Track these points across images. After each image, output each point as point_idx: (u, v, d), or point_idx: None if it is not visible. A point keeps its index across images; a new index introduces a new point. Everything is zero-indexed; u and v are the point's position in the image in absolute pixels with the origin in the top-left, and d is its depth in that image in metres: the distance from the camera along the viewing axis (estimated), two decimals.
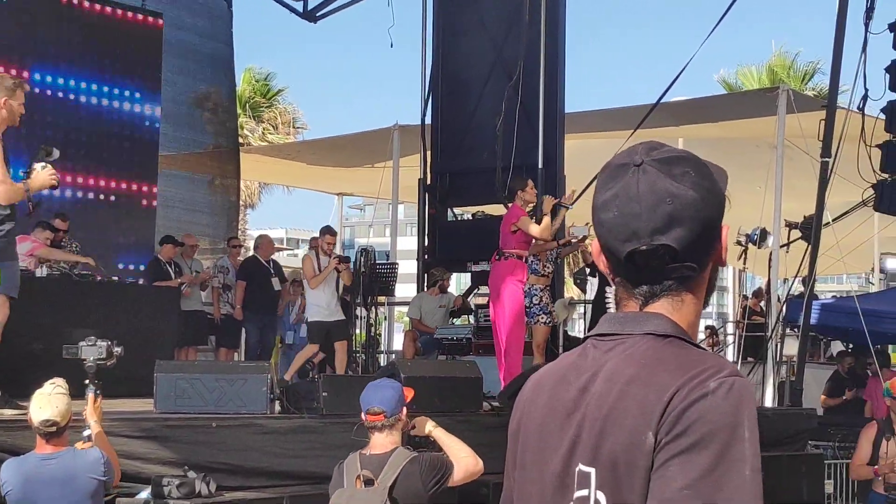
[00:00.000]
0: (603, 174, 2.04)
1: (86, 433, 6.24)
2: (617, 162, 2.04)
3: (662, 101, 14.87)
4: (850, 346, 17.97)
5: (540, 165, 14.40)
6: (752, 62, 35.17)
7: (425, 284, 15.94)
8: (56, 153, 8.26)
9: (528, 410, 2.12)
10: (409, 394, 6.04)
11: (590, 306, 16.39)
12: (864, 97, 13.60)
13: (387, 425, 5.73)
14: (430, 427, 6.06)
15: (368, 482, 5.57)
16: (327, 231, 13.33)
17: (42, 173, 7.88)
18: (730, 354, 23.51)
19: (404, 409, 5.85)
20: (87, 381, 6.49)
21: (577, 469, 1.97)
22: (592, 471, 1.94)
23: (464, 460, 5.88)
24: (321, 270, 12.82)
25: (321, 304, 12.92)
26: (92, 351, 6.59)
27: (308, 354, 13.06)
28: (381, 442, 5.74)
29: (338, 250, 25.48)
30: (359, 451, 5.81)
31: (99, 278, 12.54)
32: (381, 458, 5.68)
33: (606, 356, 2.02)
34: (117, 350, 6.68)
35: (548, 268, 12.14)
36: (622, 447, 1.91)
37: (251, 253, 16.39)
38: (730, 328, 29.29)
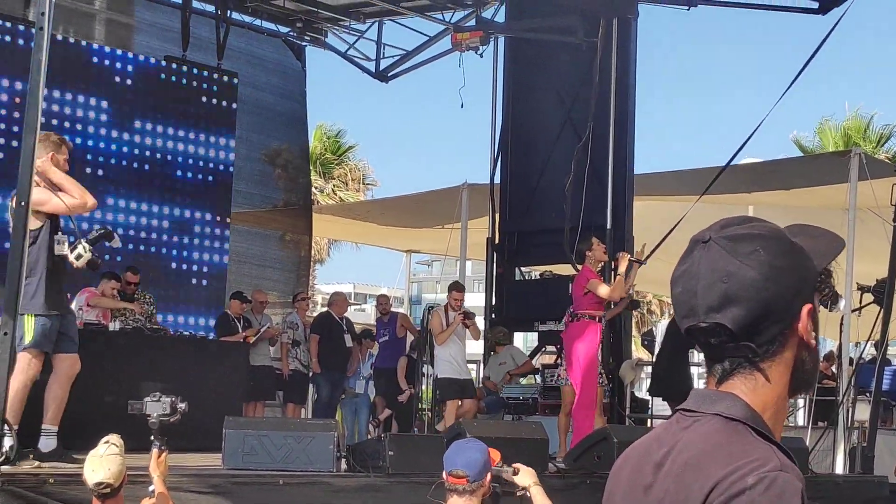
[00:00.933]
0: (686, 250, 2.05)
1: (151, 488, 6.29)
2: (693, 237, 2.04)
3: (733, 163, 14.80)
4: None
5: (608, 226, 14.39)
6: (829, 120, 34.69)
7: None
8: (117, 242, 8.36)
9: (615, 480, 2.11)
10: (496, 456, 5.74)
11: None
12: None
13: (468, 490, 5.46)
14: (531, 481, 5.53)
15: None
16: (455, 287, 13.46)
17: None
18: (800, 418, 23.20)
19: (489, 474, 5.54)
20: (152, 437, 6.53)
21: None
22: None
23: None
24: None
25: (451, 360, 12.97)
26: (156, 407, 6.58)
27: (453, 410, 12.95)
28: None
29: (405, 306, 25.70)
30: None
31: (171, 332, 12.71)
32: None
33: (682, 434, 2.01)
34: (181, 406, 6.69)
35: None
36: None
37: (320, 308, 16.50)
38: None
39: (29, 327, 7.83)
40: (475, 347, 18.47)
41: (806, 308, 1.99)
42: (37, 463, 7.57)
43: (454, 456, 5.56)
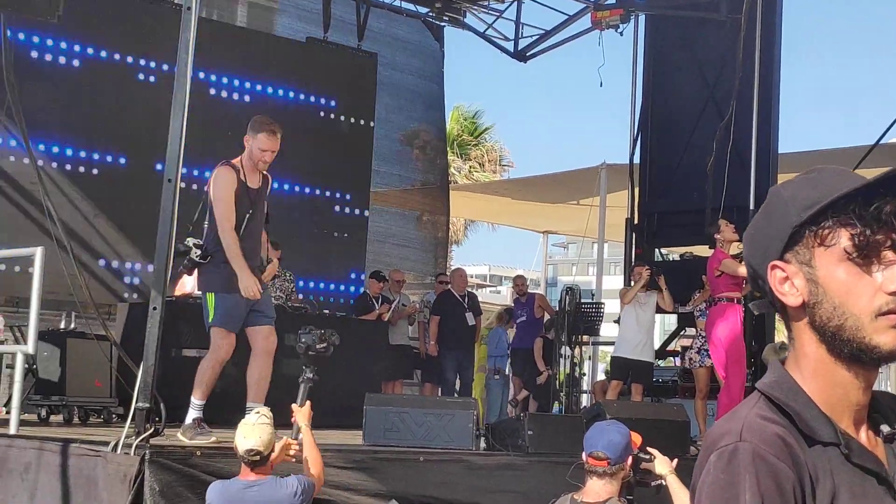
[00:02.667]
0: None
1: (297, 435, 6.44)
2: None
3: (883, 140, 14.40)
4: None
5: (752, 206, 14.11)
6: None
7: None
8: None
9: None
10: (637, 440, 5.70)
11: None
12: None
13: (608, 473, 5.41)
14: (667, 470, 5.43)
15: None
16: (637, 264, 13.24)
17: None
18: None
19: (630, 457, 5.50)
20: (303, 367, 6.77)
21: None
22: None
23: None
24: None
25: (627, 338, 12.71)
26: (309, 338, 6.96)
27: (612, 391, 12.79)
28: (597, 489, 5.43)
29: (541, 288, 25.60)
30: (571, 494, 5.53)
31: (309, 310, 12.86)
32: None
33: None
34: (334, 338, 6.96)
35: None
36: None
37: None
38: None
39: (211, 306, 8.00)
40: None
41: (769, 267, 1.93)
42: (213, 438, 7.74)
43: (595, 438, 5.51)
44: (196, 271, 8.26)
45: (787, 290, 1.89)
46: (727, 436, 1.81)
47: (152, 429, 7.25)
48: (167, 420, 7.56)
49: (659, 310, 13.16)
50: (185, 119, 7.58)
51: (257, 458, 6.01)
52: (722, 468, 1.77)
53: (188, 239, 8.01)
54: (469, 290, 16.17)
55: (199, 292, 8.22)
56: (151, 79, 14.12)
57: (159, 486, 6.83)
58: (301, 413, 6.56)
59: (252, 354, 8.24)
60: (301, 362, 6.89)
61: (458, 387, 15.27)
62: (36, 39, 13.35)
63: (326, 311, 14.36)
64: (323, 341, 6.95)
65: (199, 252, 7.99)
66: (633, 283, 12.81)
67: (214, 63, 14.59)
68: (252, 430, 6.02)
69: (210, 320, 8.04)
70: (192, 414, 8.05)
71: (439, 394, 15.33)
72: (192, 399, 8.06)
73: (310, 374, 6.93)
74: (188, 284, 12.21)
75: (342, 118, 16.22)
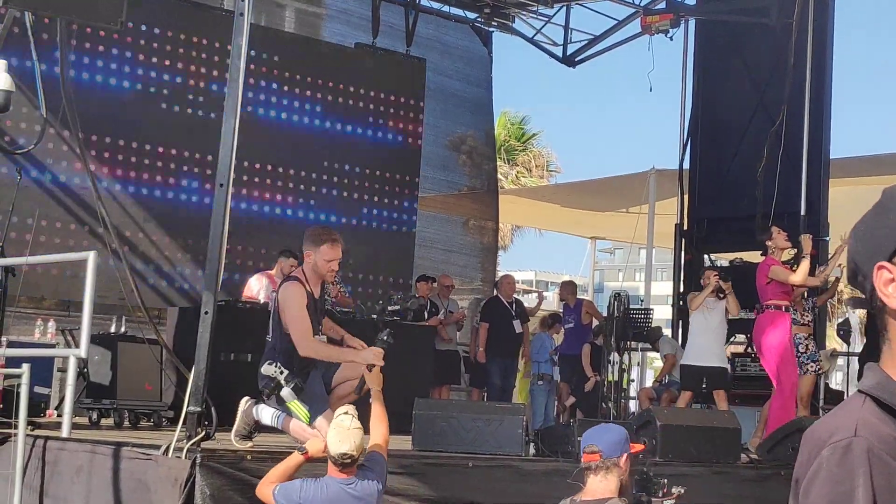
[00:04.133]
0: None
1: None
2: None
3: None
4: None
5: (802, 212, 14.01)
6: None
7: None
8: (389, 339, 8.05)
9: (798, 465, 2.06)
10: (638, 448, 5.79)
11: (854, 359, 15.84)
12: None
13: (602, 467, 5.43)
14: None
15: None
16: (708, 268, 13.06)
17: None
18: None
19: (625, 455, 5.52)
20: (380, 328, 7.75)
21: None
22: None
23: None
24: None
25: (698, 345, 12.20)
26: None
27: (684, 402, 12.34)
28: (595, 487, 5.46)
29: (589, 294, 25.52)
30: (570, 496, 5.58)
31: (357, 315, 12.87)
32: None
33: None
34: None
35: (806, 316, 11.94)
36: None
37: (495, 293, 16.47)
38: None
39: (300, 412, 7.75)
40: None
41: (876, 268, 1.90)
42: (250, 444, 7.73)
43: (589, 435, 5.63)
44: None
45: (890, 291, 1.88)
46: (840, 431, 1.81)
47: (203, 433, 7.28)
48: (218, 424, 7.59)
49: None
50: (237, 125, 7.62)
51: (349, 461, 6.13)
52: (836, 462, 1.77)
53: (271, 367, 7.80)
54: (516, 296, 16.13)
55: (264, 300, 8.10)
56: (202, 98, 14.25)
57: (210, 490, 6.86)
58: (372, 377, 6.94)
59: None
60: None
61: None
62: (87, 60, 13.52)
63: (374, 316, 14.37)
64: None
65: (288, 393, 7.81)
66: (702, 289, 12.50)
67: (261, 73, 14.69)
68: (348, 435, 6.11)
69: (307, 421, 7.75)
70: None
71: (486, 399, 15.30)
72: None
73: (385, 336, 7.58)
74: (254, 288, 12.25)
75: (391, 123, 16.24)
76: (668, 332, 16.37)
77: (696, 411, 12.40)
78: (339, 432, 6.12)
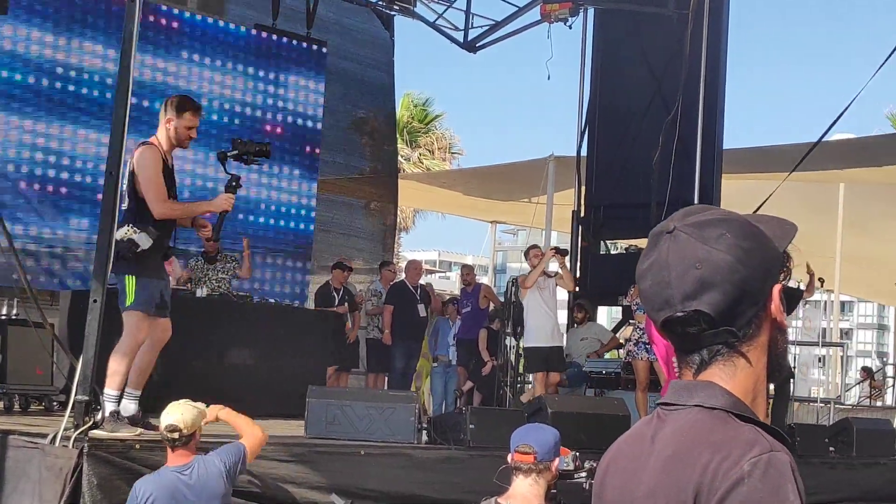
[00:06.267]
0: (648, 243, 2.02)
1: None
2: (655, 230, 2.01)
3: (825, 139, 14.55)
4: None
5: (696, 202, 14.24)
6: None
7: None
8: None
9: (602, 479, 2.09)
10: (566, 453, 5.57)
11: None
12: None
13: (534, 469, 5.21)
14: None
15: None
16: (532, 247, 13.29)
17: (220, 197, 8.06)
18: (889, 398, 22.89)
19: (557, 459, 5.33)
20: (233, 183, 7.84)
21: None
22: None
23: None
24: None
25: (538, 326, 12.61)
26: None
27: (540, 382, 12.80)
28: (524, 491, 5.22)
29: (489, 276, 25.71)
30: (495, 497, 5.30)
31: (254, 300, 12.84)
32: None
33: (663, 427, 1.99)
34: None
35: None
36: None
37: (401, 277, 16.55)
38: (890, 370, 28.52)
39: (131, 289, 7.77)
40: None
41: (777, 288, 1.98)
42: (139, 430, 7.58)
43: (524, 434, 5.38)
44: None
45: (783, 311, 1.99)
46: (758, 445, 1.85)
47: (91, 422, 7.21)
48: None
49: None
50: (128, 112, 7.54)
51: (176, 435, 6.03)
52: (760, 477, 1.81)
53: (122, 229, 7.70)
54: (421, 283, 16.24)
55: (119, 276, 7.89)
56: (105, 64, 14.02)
57: (97, 480, 6.81)
58: (214, 410, 6.62)
59: (148, 343, 7.94)
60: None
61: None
62: None
63: (272, 300, 14.35)
64: None
65: (145, 239, 7.74)
66: (532, 269, 12.76)
67: (161, 50, 14.50)
68: (176, 408, 6.09)
69: (129, 304, 7.65)
70: (109, 406, 7.60)
71: (385, 384, 15.37)
72: (108, 391, 7.62)
73: (234, 183, 7.95)
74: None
75: (290, 106, 16.15)
76: (563, 314, 16.58)
77: (588, 399, 12.61)
78: (170, 406, 6.10)
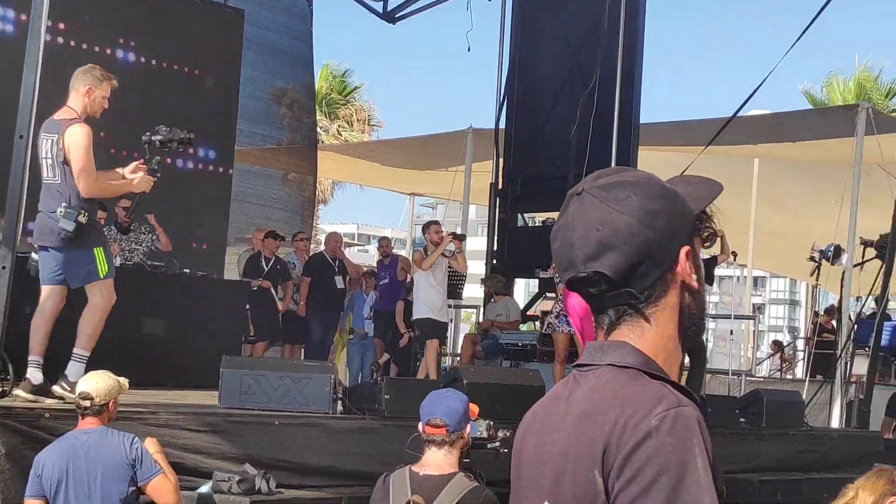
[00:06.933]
0: (562, 205, 2.04)
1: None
2: (569, 192, 2.04)
3: (739, 114, 14.71)
4: None
5: None
6: (837, 75, 34.71)
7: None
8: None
9: (521, 441, 2.11)
10: (475, 410, 5.58)
11: None
12: None
13: (447, 441, 5.18)
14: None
15: None
16: (432, 222, 13.48)
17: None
18: (799, 371, 23.30)
19: (468, 426, 5.32)
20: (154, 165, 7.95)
21: None
22: None
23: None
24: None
25: (428, 299, 12.90)
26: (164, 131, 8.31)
27: (433, 351, 12.98)
28: (438, 461, 5.18)
29: (407, 249, 25.68)
30: (409, 466, 5.26)
31: (168, 270, 12.69)
32: (436, 480, 5.12)
33: (578, 387, 2.01)
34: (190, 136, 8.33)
35: None
36: (577, 486, 1.90)
37: (321, 249, 16.51)
38: (800, 344, 29.03)
39: (101, 260, 7.78)
40: (475, 291, 18.51)
41: (684, 250, 1.99)
42: (69, 395, 7.47)
43: (433, 405, 5.30)
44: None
45: (691, 272, 2.00)
46: (665, 400, 1.87)
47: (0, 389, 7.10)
48: (16, 380, 7.40)
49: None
50: (39, 73, 7.41)
51: (88, 403, 5.97)
52: (667, 431, 1.83)
53: (61, 209, 7.63)
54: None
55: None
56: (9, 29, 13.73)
57: (5, 449, 6.69)
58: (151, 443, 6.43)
59: (51, 311, 7.93)
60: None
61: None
62: None
63: (187, 270, 14.18)
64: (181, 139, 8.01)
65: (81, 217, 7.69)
66: (431, 250, 12.98)
67: (71, 15, 14.22)
68: (92, 377, 6.04)
69: (105, 274, 7.79)
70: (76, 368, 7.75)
71: (302, 355, 15.33)
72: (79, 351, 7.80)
73: (155, 165, 8.09)
74: None
75: (206, 75, 15.95)
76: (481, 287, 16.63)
77: (503, 370, 12.68)
78: (88, 374, 6.08)
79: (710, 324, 18.34)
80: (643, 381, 1.93)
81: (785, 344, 29.82)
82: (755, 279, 46.69)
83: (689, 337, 2.04)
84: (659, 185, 2.00)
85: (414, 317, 13.25)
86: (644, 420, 1.84)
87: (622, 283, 1.95)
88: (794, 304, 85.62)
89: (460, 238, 13.29)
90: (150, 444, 6.33)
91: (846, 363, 14.55)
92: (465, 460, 5.40)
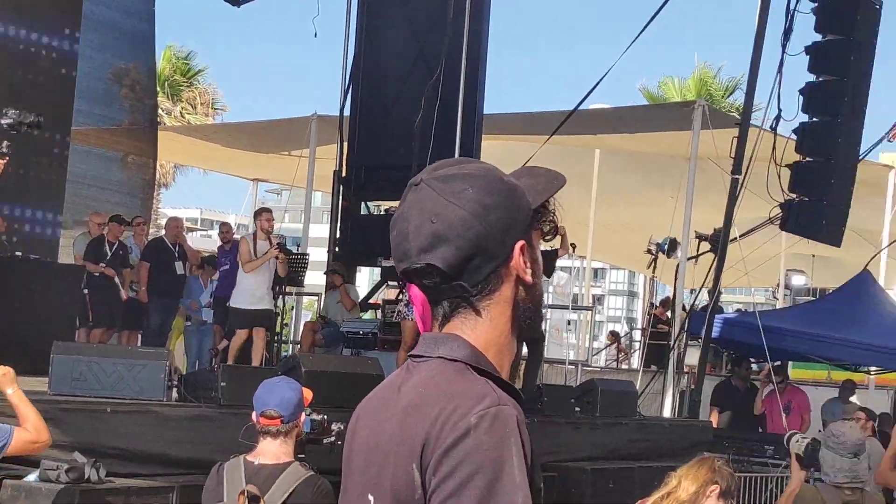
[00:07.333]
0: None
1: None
2: (408, 182, 2.03)
3: (581, 108, 14.96)
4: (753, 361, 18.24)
5: None
6: (678, 73, 35.71)
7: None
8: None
9: (353, 430, 2.09)
10: (309, 396, 5.54)
11: None
12: (778, 117, 13.79)
13: (282, 431, 5.16)
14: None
15: (254, 499, 5.00)
16: (264, 209, 13.34)
17: None
18: (635, 361, 23.83)
19: (302, 414, 5.30)
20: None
21: (367, 498, 1.96)
22: (372, 500, 1.95)
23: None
24: (257, 255, 12.70)
25: (250, 290, 12.80)
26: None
27: (239, 342, 12.87)
28: (273, 450, 5.16)
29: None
30: (243, 455, 5.21)
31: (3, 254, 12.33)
32: (271, 470, 5.11)
33: (410, 378, 2.00)
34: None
35: None
36: (396, 479, 1.90)
37: (161, 234, 16.24)
38: (637, 335, 29.69)
39: None
40: (317, 279, 18.41)
41: (519, 245, 1.98)
42: None
43: (266, 395, 5.25)
44: None
45: (529, 267, 1.99)
46: (487, 398, 1.86)
47: None
48: None
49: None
50: None
51: None
52: (486, 429, 1.82)
53: None
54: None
55: None
56: None
57: None
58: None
59: None
60: None
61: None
62: None
63: (19, 253, 13.77)
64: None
65: None
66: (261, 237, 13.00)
67: None
68: None
69: None
70: None
71: (139, 341, 15.06)
72: None
73: (5, 150, 7.94)
74: None
75: (43, 52, 15.48)
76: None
77: (342, 358, 12.65)
78: None
79: (547, 314, 18.59)
80: (469, 377, 1.93)
81: (622, 335, 30.44)
82: (595, 270, 47.48)
83: (524, 330, 2.04)
84: (497, 178, 1.99)
85: (231, 305, 13.13)
86: (464, 417, 1.84)
87: (455, 275, 1.95)
88: (632, 295, 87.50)
89: (286, 253, 13.24)
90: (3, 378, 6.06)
91: (679, 354, 14.90)
92: (299, 455, 5.37)
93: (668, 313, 18.91)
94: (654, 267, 16.62)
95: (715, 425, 13.68)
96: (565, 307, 20.03)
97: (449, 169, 2.01)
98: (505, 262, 1.98)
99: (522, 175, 2.06)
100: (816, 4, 13.58)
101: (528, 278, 2.01)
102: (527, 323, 2.03)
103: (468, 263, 1.94)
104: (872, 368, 17.51)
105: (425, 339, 2.04)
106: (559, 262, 13.91)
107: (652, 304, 22.44)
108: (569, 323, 20.78)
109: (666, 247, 15.96)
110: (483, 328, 1.98)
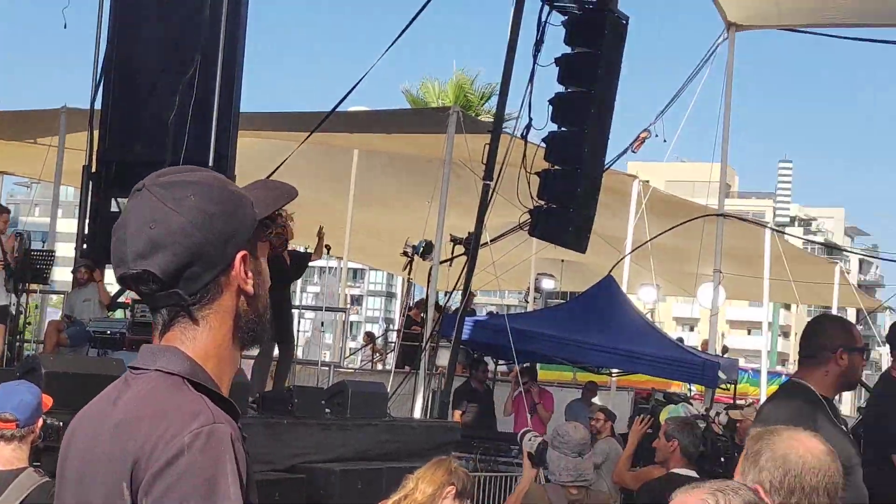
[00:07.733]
0: None
1: None
2: (132, 187, 2.02)
3: (341, 109, 14.99)
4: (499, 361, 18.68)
5: (210, 163, 14.19)
6: (437, 77, 36.29)
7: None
8: None
9: (69, 442, 2.07)
10: (48, 402, 5.44)
11: None
12: (528, 126, 14.12)
13: (17, 436, 5.04)
14: None
15: None
16: (5, 210, 12.89)
17: None
18: (390, 362, 24.06)
19: (40, 419, 5.19)
20: None
21: None
22: None
23: None
24: None
25: None
26: None
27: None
28: (6, 455, 5.04)
29: None
30: None
31: None
32: (4, 476, 4.99)
33: (127, 391, 1.98)
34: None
35: None
36: (107, 498, 1.88)
37: None
38: (393, 336, 29.99)
39: None
40: (65, 275, 17.85)
41: (240, 255, 1.99)
42: None
43: (2, 399, 5.13)
44: None
45: (247, 277, 1.98)
46: (201, 416, 1.84)
47: None
48: None
49: None
50: None
51: None
52: (201, 448, 1.80)
53: None
54: None
55: None
56: None
57: None
58: None
59: None
60: None
61: None
62: None
63: None
64: None
65: None
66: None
67: None
68: None
69: None
70: None
71: None
72: None
73: None
74: None
75: None
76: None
77: (86, 359, 12.30)
78: None
79: (299, 314, 18.57)
80: (184, 394, 1.91)
81: (378, 335, 30.63)
82: (354, 271, 47.64)
83: (246, 341, 2.03)
84: (222, 187, 1.98)
85: None
86: (176, 437, 1.83)
87: (172, 283, 1.93)
88: (390, 296, 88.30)
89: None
90: None
91: (430, 355, 15.10)
92: (35, 463, 5.22)
93: (423, 315, 19.17)
94: (410, 269, 16.82)
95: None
96: (319, 308, 20.01)
97: (173, 176, 1.99)
98: (226, 271, 1.96)
99: (257, 187, 2.07)
100: (566, 18, 13.97)
101: (249, 288, 2.00)
102: (249, 334, 2.02)
103: (185, 271, 1.92)
104: (614, 371, 18.20)
105: (145, 351, 2.01)
106: (320, 263, 13.90)
107: (408, 305, 22.68)
108: (322, 324, 20.78)
109: (421, 249, 16.17)
110: (202, 339, 1.97)
